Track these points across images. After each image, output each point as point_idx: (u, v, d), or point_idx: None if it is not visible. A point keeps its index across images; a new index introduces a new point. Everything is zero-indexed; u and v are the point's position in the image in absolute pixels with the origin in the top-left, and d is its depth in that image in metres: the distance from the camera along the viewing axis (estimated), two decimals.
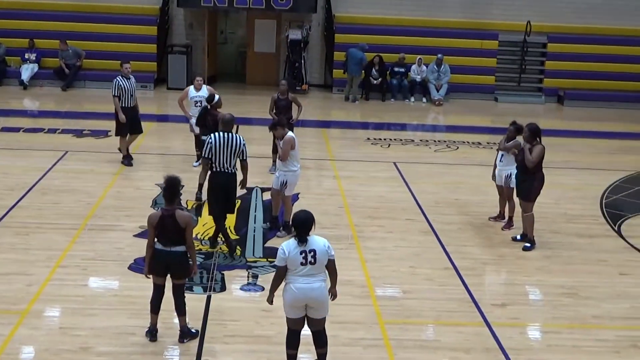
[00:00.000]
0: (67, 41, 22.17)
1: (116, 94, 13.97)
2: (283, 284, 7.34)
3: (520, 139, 11.47)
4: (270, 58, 24.30)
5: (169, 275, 8.01)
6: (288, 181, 11.17)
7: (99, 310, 8.73)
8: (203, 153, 10.58)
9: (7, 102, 20.45)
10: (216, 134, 10.51)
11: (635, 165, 16.47)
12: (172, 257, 7.85)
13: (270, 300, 7.53)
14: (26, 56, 22.20)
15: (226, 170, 10.45)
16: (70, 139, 16.35)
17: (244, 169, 10.62)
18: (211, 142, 10.38)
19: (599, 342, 8.65)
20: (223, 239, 10.75)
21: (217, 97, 12.63)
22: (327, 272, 7.35)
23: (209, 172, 10.64)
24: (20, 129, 17.09)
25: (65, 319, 8.58)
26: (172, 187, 7.89)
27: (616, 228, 12.44)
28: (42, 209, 11.87)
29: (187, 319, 8.16)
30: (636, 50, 23.97)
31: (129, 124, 14.19)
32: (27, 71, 21.93)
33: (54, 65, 22.32)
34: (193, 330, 8.23)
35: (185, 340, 8.10)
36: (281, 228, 11.35)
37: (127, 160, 14.31)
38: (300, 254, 7.17)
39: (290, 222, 7.27)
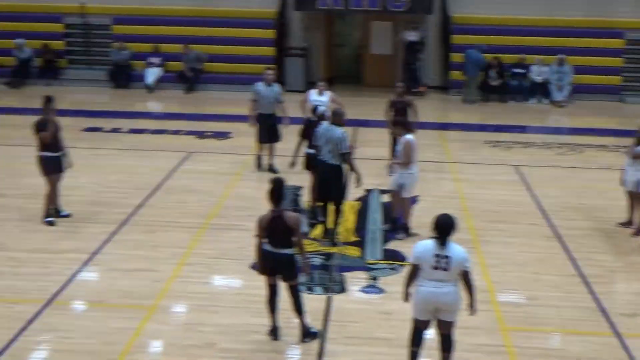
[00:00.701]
0: (190, 45, 22.78)
1: (253, 99, 13.93)
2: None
3: None
4: (386, 60, 24.23)
5: None
6: (405, 183, 11.11)
7: (223, 308, 8.90)
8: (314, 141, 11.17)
9: (133, 105, 21.20)
10: (323, 124, 11.08)
11: None
12: (279, 259, 7.88)
13: (404, 298, 7.47)
14: (151, 60, 22.94)
15: (326, 160, 10.83)
16: (193, 141, 16.78)
17: (348, 164, 10.89)
18: (317, 132, 11.06)
19: None
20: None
21: (321, 109, 12.30)
22: (462, 282, 7.22)
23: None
24: (146, 130, 17.67)
25: (191, 315, 8.80)
26: (277, 188, 7.91)
27: None
28: (167, 208, 12.21)
29: (307, 319, 8.20)
30: None
31: (266, 132, 13.99)
32: (151, 75, 22.66)
33: (177, 68, 22.97)
34: (313, 330, 8.27)
35: (306, 340, 8.14)
36: (400, 231, 11.28)
37: (260, 165, 14.32)
38: (435, 257, 7.08)
39: (432, 224, 7.18)
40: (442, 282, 7.11)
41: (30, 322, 8.43)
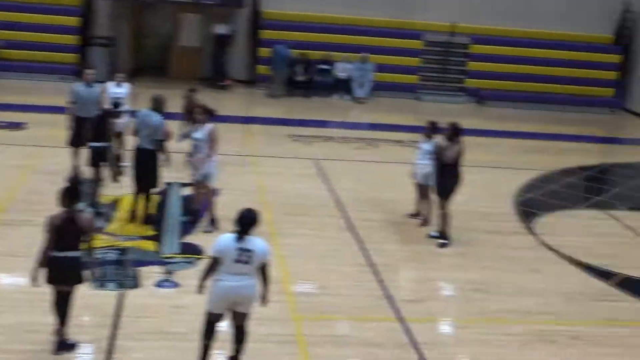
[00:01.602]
0: None
1: (72, 101, 12.65)
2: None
3: (440, 137, 11.61)
4: (195, 52, 24.12)
5: None
6: (211, 172, 11.14)
7: (9, 307, 8.52)
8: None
9: None
10: (143, 110, 11.15)
11: (549, 165, 16.93)
12: (65, 263, 7.43)
13: (199, 290, 7.43)
14: None
15: (142, 146, 10.93)
16: None
17: (163, 151, 11.04)
18: (137, 117, 11.16)
19: (507, 336, 8.85)
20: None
21: (118, 100, 11.86)
22: (259, 274, 7.32)
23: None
24: None
25: None
26: (72, 188, 7.58)
27: (529, 226, 12.74)
28: None
29: (68, 330, 7.80)
30: (554, 53, 24.62)
31: (79, 135, 12.42)
32: None
33: None
34: (72, 342, 7.79)
35: (60, 353, 7.65)
36: (208, 223, 11.29)
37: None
38: (237, 250, 7.13)
39: (235, 218, 7.21)
40: (243, 275, 7.17)
41: None
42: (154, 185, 11.23)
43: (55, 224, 7.37)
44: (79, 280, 7.64)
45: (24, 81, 21.37)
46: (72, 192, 7.54)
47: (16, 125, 16.42)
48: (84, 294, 8.04)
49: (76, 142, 12.77)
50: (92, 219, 7.71)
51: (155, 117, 10.87)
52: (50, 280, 7.53)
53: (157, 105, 11.05)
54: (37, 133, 15.72)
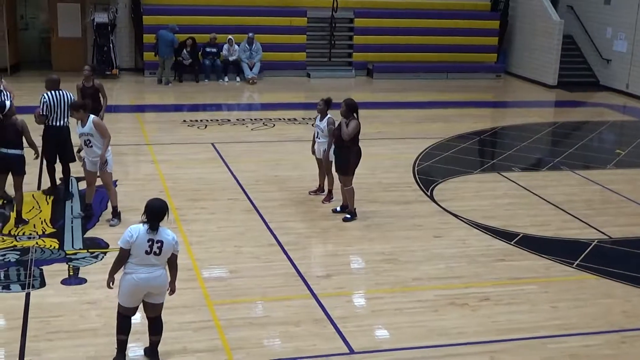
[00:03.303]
0: None
1: None
2: (121, 271, 7.18)
3: (333, 113, 11.70)
4: (76, 43, 23.42)
5: None
6: (107, 160, 10.90)
7: None
8: (40, 112, 11.54)
9: None
10: (49, 92, 11.65)
11: (441, 132, 17.33)
12: None
13: (109, 284, 7.33)
14: None
15: (59, 124, 11.67)
16: None
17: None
18: (46, 100, 11.54)
19: (420, 302, 9.04)
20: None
21: (8, 103, 11.30)
22: (167, 265, 7.27)
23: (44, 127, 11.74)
24: None
25: None
26: None
27: (428, 193, 13.04)
28: None
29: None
30: (435, 22, 25.17)
31: None
32: None
33: None
34: None
35: None
36: (112, 215, 11.07)
37: None
38: (148, 241, 7.04)
39: (144, 209, 7.08)
40: (153, 266, 7.11)
41: None
42: (69, 159, 11.92)
43: None
44: None
45: None
46: None
47: None
48: None
49: None
50: None
51: (66, 94, 11.71)
52: None
53: (57, 85, 11.79)
54: None
